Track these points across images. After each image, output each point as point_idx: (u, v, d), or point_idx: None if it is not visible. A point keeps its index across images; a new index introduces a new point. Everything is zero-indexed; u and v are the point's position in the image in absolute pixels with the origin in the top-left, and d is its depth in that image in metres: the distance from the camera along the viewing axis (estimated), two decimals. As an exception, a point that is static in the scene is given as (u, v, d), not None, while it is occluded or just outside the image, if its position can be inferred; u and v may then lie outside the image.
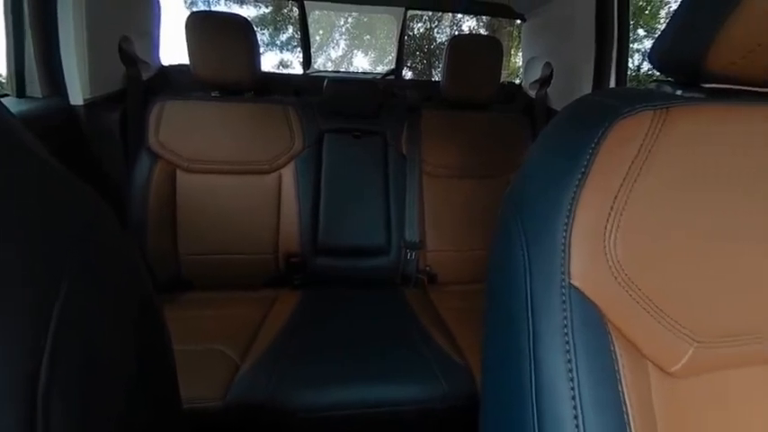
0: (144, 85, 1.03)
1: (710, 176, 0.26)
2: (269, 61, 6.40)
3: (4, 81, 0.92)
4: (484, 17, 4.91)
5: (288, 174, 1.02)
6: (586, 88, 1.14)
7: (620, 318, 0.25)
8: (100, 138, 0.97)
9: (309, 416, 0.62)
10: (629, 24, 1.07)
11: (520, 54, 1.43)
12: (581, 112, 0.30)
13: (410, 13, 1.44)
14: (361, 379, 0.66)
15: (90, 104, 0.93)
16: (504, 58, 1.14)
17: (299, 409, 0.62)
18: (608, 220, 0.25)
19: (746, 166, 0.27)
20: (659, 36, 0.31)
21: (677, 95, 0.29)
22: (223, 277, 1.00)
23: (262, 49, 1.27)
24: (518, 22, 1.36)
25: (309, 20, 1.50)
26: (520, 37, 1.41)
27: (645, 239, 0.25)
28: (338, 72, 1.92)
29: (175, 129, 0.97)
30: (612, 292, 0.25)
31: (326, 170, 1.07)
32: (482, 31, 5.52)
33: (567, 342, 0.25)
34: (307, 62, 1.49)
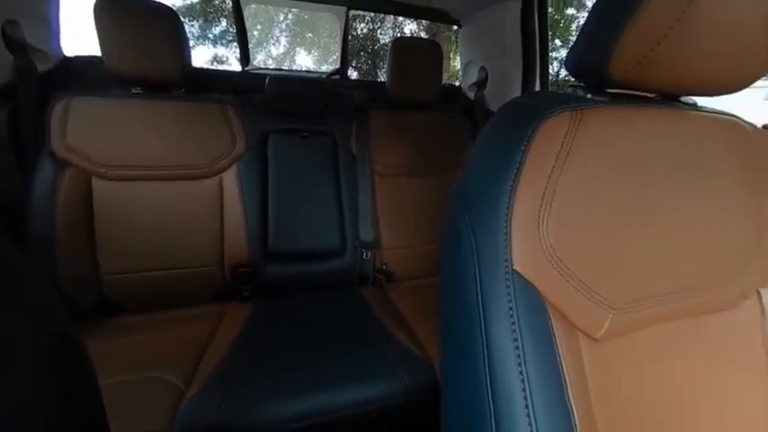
0: (41, 79, 0.87)
1: (617, 169, 0.31)
2: (201, 56, 5.88)
3: None
4: (424, 21, 5.11)
5: (230, 177, 0.95)
6: (516, 91, 1.26)
7: (555, 295, 0.28)
8: None
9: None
10: (548, 35, 1.21)
11: (458, 58, 1.52)
12: (512, 114, 0.34)
13: (353, 13, 1.44)
14: (322, 386, 0.64)
15: None
16: (445, 61, 1.20)
17: (257, 426, 0.58)
18: (540, 210, 0.28)
19: (642, 159, 0.32)
20: (572, 47, 0.36)
21: (588, 99, 0.34)
22: (159, 296, 0.89)
23: (191, 43, 1.16)
24: (455, 27, 1.44)
25: (245, 13, 1.41)
26: (458, 42, 1.50)
27: (570, 225, 0.29)
28: (280, 70, 1.84)
29: (87, 130, 0.83)
30: (547, 274, 0.28)
31: (273, 172, 1.02)
32: (423, 35, 5.74)
33: (513, 323, 0.28)
34: (245, 58, 1.40)
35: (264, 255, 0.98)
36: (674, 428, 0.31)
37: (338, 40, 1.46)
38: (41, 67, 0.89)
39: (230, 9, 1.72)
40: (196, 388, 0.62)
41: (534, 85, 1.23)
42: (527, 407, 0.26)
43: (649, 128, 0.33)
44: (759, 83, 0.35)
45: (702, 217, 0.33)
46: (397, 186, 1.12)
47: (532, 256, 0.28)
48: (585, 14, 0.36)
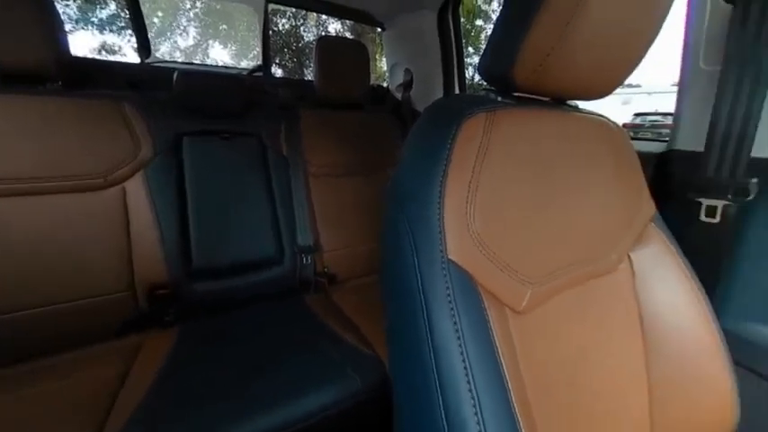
0: None
1: (524, 162, 0.36)
2: (84, 43, 4.90)
3: None
4: (348, 21, 5.12)
5: (135, 187, 0.81)
6: (439, 93, 1.36)
7: (484, 278, 0.32)
8: None
9: None
10: (462, 43, 1.33)
11: (384, 59, 1.57)
12: (436, 115, 0.37)
13: (273, 7, 1.37)
14: (273, 402, 0.60)
15: None
16: (371, 63, 1.23)
17: None
18: (467, 202, 0.32)
19: (542, 153, 0.37)
20: (482, 55, 0.40)
21: (498, 102, 0.38)
22: (51, 337, 0.72)
23: (68, 27, 0.95)
24: (379, 30, 1.48)
25: (141, -3, 1.22)
26: (383, 44, 1.54)
27: (492, 214, 0.33)
28: (191, 64, 1.64)
29: None
30: (477, 259, 0.31)
31: (192, 179, 0.91)
32: (348, 35, 5.75)
33: (452, 308, 0.30)
34: (144, 49, 1.21)
35: (188, 272, 0.87)
36: (580, 382, 0.37)
37: (258, 34, 1.37)
38: None
39: (120, -10, 1.47)
40: None
41: (454, 88, 1.34)
42: (468, 382, 0.28)
43: (546, 127, 0.39)
44: (618, 90, 0.44)
45: (589, 199, 0.40)
46: (333, 187, 1.10)
47: (463, 245, 0.31)
48: (492, 26, 0.41)
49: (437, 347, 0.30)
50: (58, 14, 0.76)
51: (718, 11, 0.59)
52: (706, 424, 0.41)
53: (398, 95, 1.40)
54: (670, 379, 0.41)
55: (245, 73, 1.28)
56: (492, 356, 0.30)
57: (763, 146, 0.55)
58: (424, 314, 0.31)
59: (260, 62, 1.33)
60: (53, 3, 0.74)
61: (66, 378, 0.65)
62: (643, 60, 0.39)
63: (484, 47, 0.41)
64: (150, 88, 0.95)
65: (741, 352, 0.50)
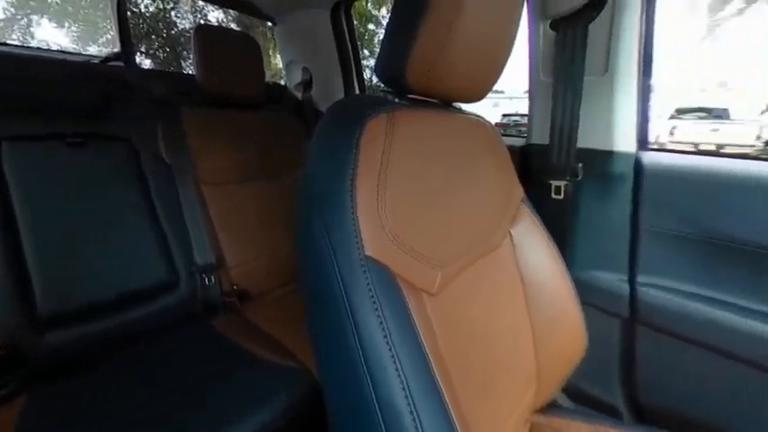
0: None
1: (422, 159, 0.39)
2: None
3: None
4: (233, 12, 4.64)
5: None
6: (340, 93, 1.37)
7: (400, 268, 0.34)
8: None
9: None
10: (357, 45, 1.36)
11: (278, 56, 1.48)
12: (340, 116, 0.37)
13: (128, -18, 1.13)
14: None
15: None
16: (264, 58, 1.14)
17: None
18: (377, 199, 0.33)
19: (436, 150, 0.42)
20: (377, 59, 0.43)
21: (396, 102, 0.41)
22: None
23: None
24: (270, 24, 1.39)
25: None
26: (275, 39, 1.45)
27: (400, 207, 0.35)
28: (4, 44, 1.22)
29: None
30: (392, 252, 0.33)
31: (23, 199, 0.68)
32: (233, 26, 5.22)
33: (375, 302, 0.31)
34: None
35: (32, 321, 0.65)
36: (486, 339, 0.44)
37: (112, 14, 1.11)
38: None
39: None
40: None
41: (354, 89, 1.37)
42: (397, 369, 0.30)
43: (436, 126, 0.43)
44: (490, 94, 0.52)
45: (477, 188, 0.47)
46: (233, 194, 0.99)
47: (379, 240, 0.32)
48: (383, 30, 0.43)
49: (364, 342, 0.30)
50: None
51: (547, 35, 0.76)
52: (565, 346, 0.54)
53: (298, 94, 1.35)
54: (543, 318, 0.52)
55: (97, 61, 1.03)
56: (415, 341, 0.32)
57: (582, 139, 0.75)
58: (348, 312, 0.31)
59: (117, 49, 1.08)
60: None
61: None
62: (504, 70, 0.48)
63: (378, 50, 0.43)
64: None
65: (586, 293, 0.67)
